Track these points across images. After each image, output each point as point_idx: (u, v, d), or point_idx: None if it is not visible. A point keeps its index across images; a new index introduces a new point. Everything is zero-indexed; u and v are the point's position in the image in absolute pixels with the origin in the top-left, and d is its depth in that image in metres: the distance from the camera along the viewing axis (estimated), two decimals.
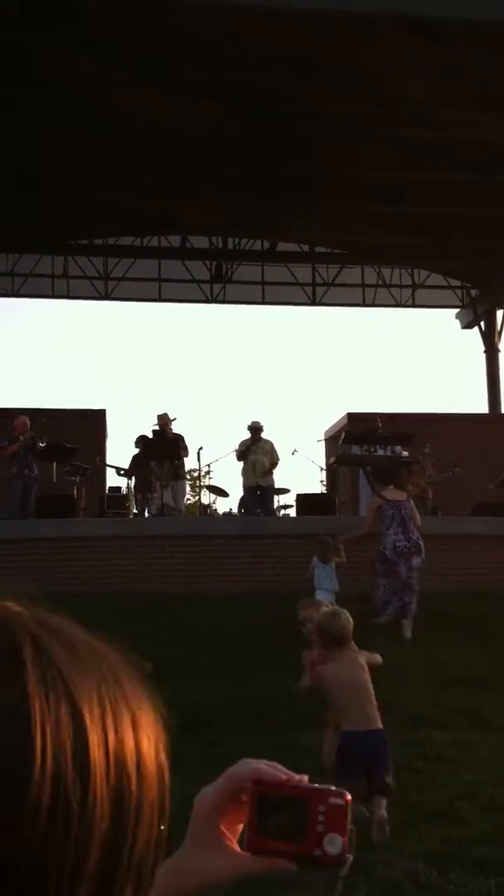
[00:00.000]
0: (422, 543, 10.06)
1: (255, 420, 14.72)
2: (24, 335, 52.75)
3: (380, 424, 14.67)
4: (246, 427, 14.69)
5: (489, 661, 7.99)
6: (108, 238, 21.51)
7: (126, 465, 14.87)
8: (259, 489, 14.62)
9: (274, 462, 14.71)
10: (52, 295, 22.11)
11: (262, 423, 14.68)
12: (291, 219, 19.58)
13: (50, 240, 20.46)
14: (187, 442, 14.32)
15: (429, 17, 12.27)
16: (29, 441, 13.28)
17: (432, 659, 8.03)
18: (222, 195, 18.16)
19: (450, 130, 15.26)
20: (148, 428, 14.44)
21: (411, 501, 10.44)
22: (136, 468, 14.56)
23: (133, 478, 14.98)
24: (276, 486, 15.69)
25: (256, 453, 14.53)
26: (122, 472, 14.90)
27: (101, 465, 16.38)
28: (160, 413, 14.33)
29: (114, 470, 15.29)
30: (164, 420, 14.25)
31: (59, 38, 13.02)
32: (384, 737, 4.30)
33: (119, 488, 16.18)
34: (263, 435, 14.65)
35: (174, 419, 14.32)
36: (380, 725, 4.29)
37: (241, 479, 14.87)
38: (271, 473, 14.75)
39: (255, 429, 14.61)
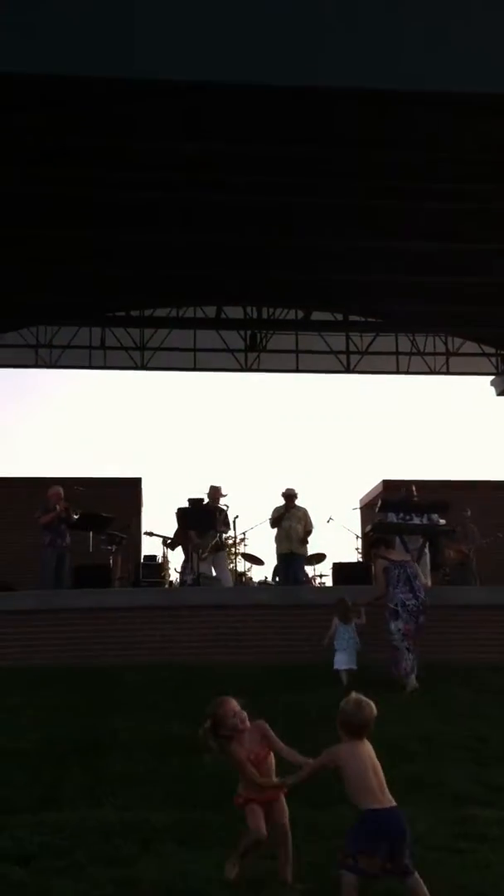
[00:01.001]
0: (427, 601, 10.54)
1: (289, 487, 14.71)
2: (61, 405, 53.45)
3: (414, 491, 14.62)
4: (280, 494, 14.68)
5: None
6: (145, 309, 21.90)
7: (170, 535, 14.89)
8: (293, 556, 14.51)
9: (308, 530, 14.66)
10: (90, 366, 22.44)
11: (296, 490, 14.67)
12: (327, 287, 19.81)
13: (88, 312, 20.85)
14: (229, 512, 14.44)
15: (455, 91, 12.50)
16: (63, 512, 13.37)
17: (474, 734, 7.86)
18: (257, 265, 18.46)
19: (475, 202, 15.46)
20: (184, 497, 14.52)
21: (416, 564, 10.92)
22: (179, 538, 14.58)
23: (175, 549, 14.99)
24: (312, 552, 15.61)
25: (290, 520, 14.48)
26: (167, 541, 14.90)
27: (140, 533, 16.44)
28: (213, 485, 14.51)
29: (160, 539, 15.31)
30: (215, 493, 14.40)
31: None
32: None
33: (154, 557, 16.19)
34: (297, 502, 14.63)
35: (226, 495, 14.48)
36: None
37: (274, 547, 14.80)
38: (306, 542, 14.69)
39: (290, 496, 14.59)
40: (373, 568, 10.96)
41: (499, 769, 6.85)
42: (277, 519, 14.51)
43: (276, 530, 14.60)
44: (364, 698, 4.53)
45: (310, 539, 14.74)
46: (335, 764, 4.44)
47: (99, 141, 13.95)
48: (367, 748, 4.51)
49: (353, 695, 4.56)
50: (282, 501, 14.59)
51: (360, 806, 4.30)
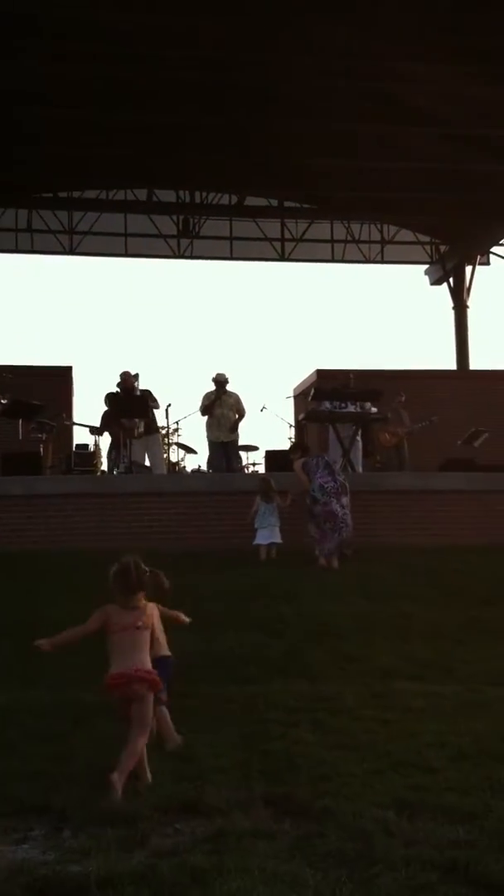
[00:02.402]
0: (348, 485, 10.92)
1: (220, 372, 14.29)
2: None
3: (352, 380, 14.66)
4: (211, 380, 14.34)
5: (455, 613, 8.05)
6: (73, 191, 21.13)
7: (97, 423, 14.68)
8: (224, 444, 14.42)
9: (241, 414, 14.43)
10: (16, 250, 21.70)
11: (227, 376, 14.30)
12: (260, 172, 19.31)
13: (13, 192, 20.03)
14: (155, 394, 14.15)
15: None
16: None
17: (399, 612, 8.08)
18: (190, 147, 17.86)
19: (421, 84, 15.09)
20: (114, 385, 14.26)
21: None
22: (107, 426, 14.35)
23: (104, 435, 14.78)
24: (245, 443, 15.58)
25: (222, 407, 14.21)
26: (94, 430, 14.70)
27: (70, 424, 16.21)
28: (122, 372, 14.12)
29: (87, 429, 15.08)
30: (126, 378, 14.04)
31: None
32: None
33: (86, 446, 16.02)
34: (229, 387, 14.32)
35: (135, 375, 14.12)
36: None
37: (206, 435, 14.55)
38: (237, 429, 14.54)
39: (221, 382, 14.20)
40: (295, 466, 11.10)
41: (423, 645, 7.08)
42: (209, 406, 14.23)
43: (206, 418, 14.40)
44: (131, 561, 4.64)
45: (241, 425, 14.59)
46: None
47: (28, 8, 13.16)
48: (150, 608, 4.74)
49: (123, 559, 4.66)
50: (213, 387, 14.41)
51: (156, 653, 4.70)
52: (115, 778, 4.04)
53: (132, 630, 4.49)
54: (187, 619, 4.98)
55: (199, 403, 14.38)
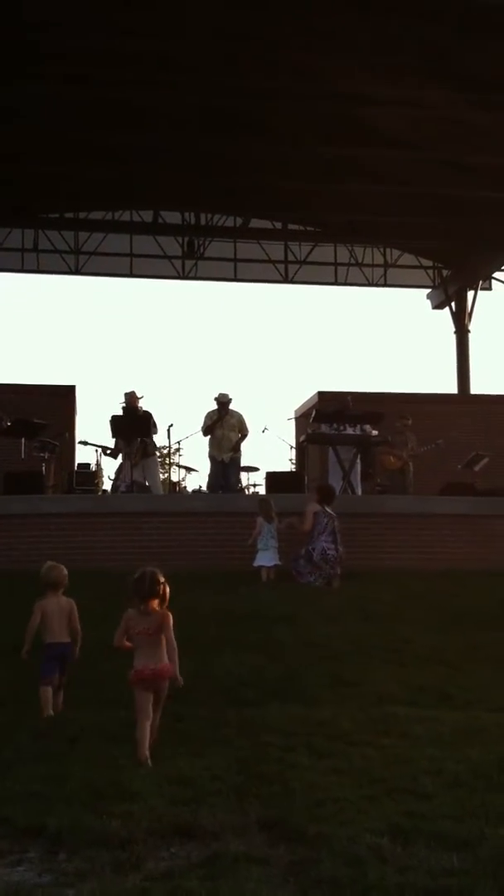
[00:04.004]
0: (343, 554, 10.84)
1: (222, 392, 14.30)
2: None
3: (350, 403, 14.69)
4: (213, 400, 14.35)
5: (453, 639, 8.05)
6: (79, 212, 21.29)
7: (108, 444, 14.71)
8: (224, 464, 14.32)
9: (244, 434, 14.39)
10: (22, 269, 21.83)
11: (229, 396, 14.32)
12: (266, 194, 19.46)
13: (20, 212, 20.18)
14: (157, 419, 14.21)
15: None
16: None
17: (397, 636, 8.07)
18: (196, 169, 18.00)
19: (425, 110, 15.22)
20: (118, 405, 14.32)
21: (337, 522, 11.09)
22: (118, 447, 14.40)
23: (117, 457, 14.80)
24: (246, 464, 15.61)
25: (223, 428, 14.21)
26: (108, 451, 14.71)
27: (74, 441, 16.26)
28: (127, 391, 14.21)
29: (96, 448, 15.12)
30: (131, 398, 14.12)
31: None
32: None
33: (88, 465, 16.07)
34: (232, 407, 14.27)
35: (141, 397, 14.22)
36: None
37: (207, 455, 14.49)
38: (239, 448, 14.48)
39: (223, 402, 14.23)
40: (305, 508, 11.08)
41: (421, 670, 7.07)
42: (210, 427, 14.22)
43: (208, 438, 14.36)
44: (56, 564, 6.20)
45: (243, 444, 14.48)
46: (40, 610, 5.95)
47: (23, 34, 13.32)
48: (61, 601, 6.07)
49: (49, 562, 6.20)
50: (215, 407, 14.33)
51: (45, 640, 5.92)
52: (146, 754, 4.81)
53: (145, 634, 5.10)
54: (179, 678, 5.17)
55: (202, 423, 14.36)
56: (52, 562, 6.27)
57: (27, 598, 8.84)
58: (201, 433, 14.45)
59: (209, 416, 14.32)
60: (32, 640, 5.96)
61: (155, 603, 5.12)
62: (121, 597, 8.70)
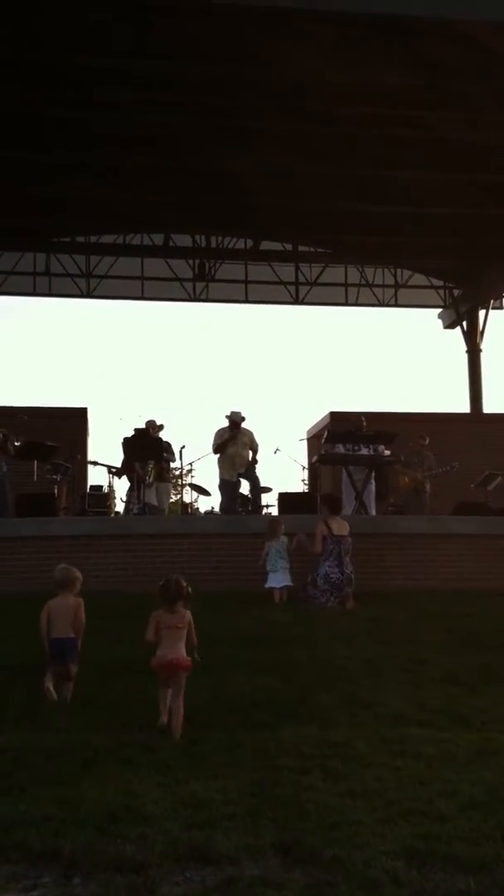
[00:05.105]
0: (353, 576, 10.76)
1: (234, 411, 14.13)
2: (4, 332, 52.44)
3: (364, 423, 14.67)
4: (225, 417, 14.16)
5: (468, 659, 8.00)
6: (91, 235, 21.46)
7: (116, 465, 14.78)
8: (235, 484, 14.16)
9: (254, 449, 14.17)
10: (34, 293, 21.99)
11: (242, 414, 14.15)
12: (275, 217, 19.57)
13: (32, 237, 20.36)
14: (171, 441, 14.32)
15: (414, 16, 12.26)
16: (0, 440, 13.10)
17: (411, 657, 8.03)
18: (206, 192, 18.13)
19: (434, 130, 15.30)
20: (131, 427, 14.42)
21: (351, 538, 11.02)
22: (125, 468, 14.46)
23: (122, 477, 14.87)
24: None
25: (236, 446, 14.04)
26: (113, 470, 14.78)
27: (86, 463, 16.33)
28: (148, 420, 14.33)
29: (105, 468, 15.18)
30: (151, 426, 14.25)
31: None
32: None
33: (100, 487, 16.12)
34: (244, 425, 14.11)
35: (161, 426, 14.29)
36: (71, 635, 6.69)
37: (219, 474, 14.33)
38: (255, 463, 14.27)
39: (235, 421, 14.08)
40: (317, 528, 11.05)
41: (435, 691, 7.02)
42: (222, 445, 14.05)
43: (218, 456, 14.17)
44: (69, 566, 6.97)
45: (258, 458, 14.31)
46: (47, 609, 6.68)
47: (35, 56, 13.48)
48: (68, 600, 6.77)
49: (62, 564, 6.96)
50: (226, 426, 14.13)
51: (50, 636, 6.63)
52: (178, 734, 5.61)
53: (174, 628, 5.96)
54: (199, 657, 6.15)
55: (213, 441, 14.21)
56: (65, 564, 7.04)
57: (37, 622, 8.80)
58: (212, 451, 14.31)
59: (219, 434, 14.16)
60: (45, 638, 6.66)
61: (181, 603, 6.02)
62: (134, 617, 8.73)
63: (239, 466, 14.12)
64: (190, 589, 6.12)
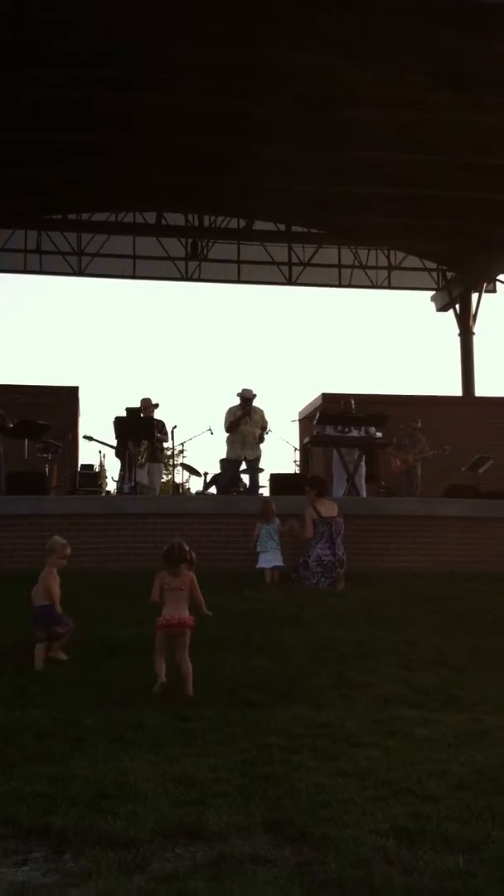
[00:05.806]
0: (345, 558, 10.78)
1: (246, 388, 13.79)
2: None
3: (353, 405, 14.62)
4: (237, 395, 13.88)
5: (458, 641, 8.04)
6: (82, 213, 21.30)
7: (110, 442, 14.69)
8: (245, 461, 13.96)
9: (264, 428, 13.92)
10: (25, 270, 21.84)
11: (253, 391, 13.79)
12: (270, 196, 19.46)
13: (23, 214, 20.20)
14: (163, 421, 14.21)
15: None
16: None
17: (402, 639, 8.07)
18: (198, 171, 18.00)
19: (430, 112, 15.20)
20: (122, 407, 14.33)
21: (341, 518, 11.01)
22: (120, 448, 14.38)
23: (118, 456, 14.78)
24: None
25: (248, 424, 13.70)
26: (111, 446, 14.63)
27: (77, 442, 16.26)
28: (143, 398, 14.22)
29: (100, 444, 15.06)
30: (146, 405, 14.15)
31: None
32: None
33: (91, 466, 16.08)
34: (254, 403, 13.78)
35: (156, 405, 14.19)
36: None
37: (224, 452, 14.11)
38: (261, 442, 14.01)
39: (248, 398, 13.70)
40: (305, 512, 11.03)
41: (425, 672, 7.06)
42: (235, 423, 13.70)
43: (228, 434, 13.86)
44: (57, 538, 7.61)
45: (266, 437, 14.07)
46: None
47: (33, 39, 13.34)
48: (45, 570, 7.30)
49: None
50: (233, 404, 13.84)
51: (35, 604, 7.20)
52: (190, 687, 6.10)
53: (177, 590, 6.37)
54: (208, 612, 6.59)
55: (225, 418, 13.88)
56: (56, 537, 7.65)
57: (30, 599, 8.83)
58: (224, 428, 13.92)
59: (232, 412, 13.83)
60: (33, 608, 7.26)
61: (184, 566, 6.41)
62: (125, 596, 8.74)
63: (251, 444, 13.78)
64: (193, 553, 6.46)
